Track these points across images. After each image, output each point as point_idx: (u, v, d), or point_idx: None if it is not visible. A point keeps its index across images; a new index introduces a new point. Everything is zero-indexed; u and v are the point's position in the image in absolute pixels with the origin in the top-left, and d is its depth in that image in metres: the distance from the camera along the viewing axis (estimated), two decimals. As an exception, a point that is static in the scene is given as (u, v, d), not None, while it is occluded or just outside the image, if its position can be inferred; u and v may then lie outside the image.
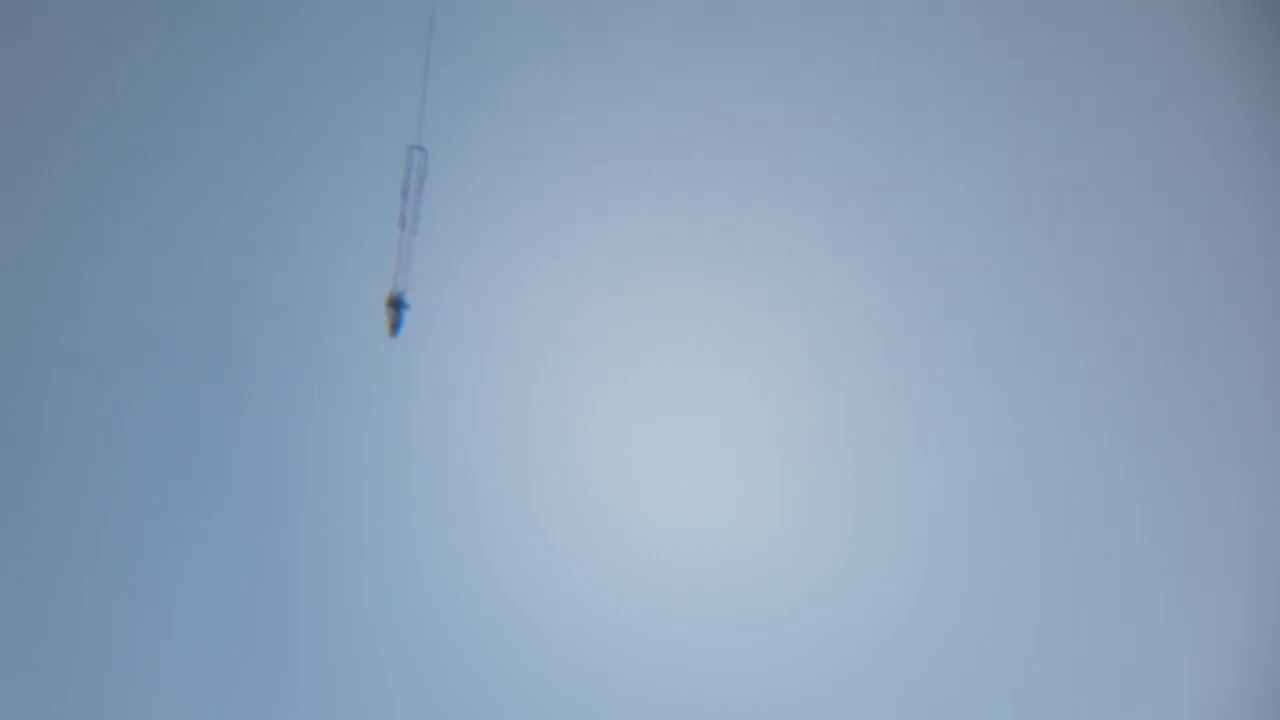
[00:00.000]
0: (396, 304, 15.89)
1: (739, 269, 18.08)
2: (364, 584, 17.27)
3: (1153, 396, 18.05)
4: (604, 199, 17.85)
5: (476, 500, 17.71)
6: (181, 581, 17.27)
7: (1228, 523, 17.71)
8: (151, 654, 17.25)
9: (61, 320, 17.10)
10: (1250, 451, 17.76)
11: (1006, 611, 17.85)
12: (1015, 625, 17.86)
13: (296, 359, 17.52)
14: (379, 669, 17.45)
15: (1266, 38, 17.39)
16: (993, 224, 18.38)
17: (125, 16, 17.21)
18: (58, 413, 17.11)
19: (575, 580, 17.79)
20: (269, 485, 17.44)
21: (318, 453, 17.58)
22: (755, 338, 18.09)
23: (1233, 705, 17.24)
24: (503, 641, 17.60)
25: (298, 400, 17.73)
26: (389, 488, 17.66)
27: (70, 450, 17.14)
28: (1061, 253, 18.25)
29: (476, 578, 17.63)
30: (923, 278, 18.37)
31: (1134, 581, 17.83)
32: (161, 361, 17.54)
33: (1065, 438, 18.14)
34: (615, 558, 17.70)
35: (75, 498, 17.25)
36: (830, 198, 18.20)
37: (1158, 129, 18.01)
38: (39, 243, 17.05)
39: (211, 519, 17.39)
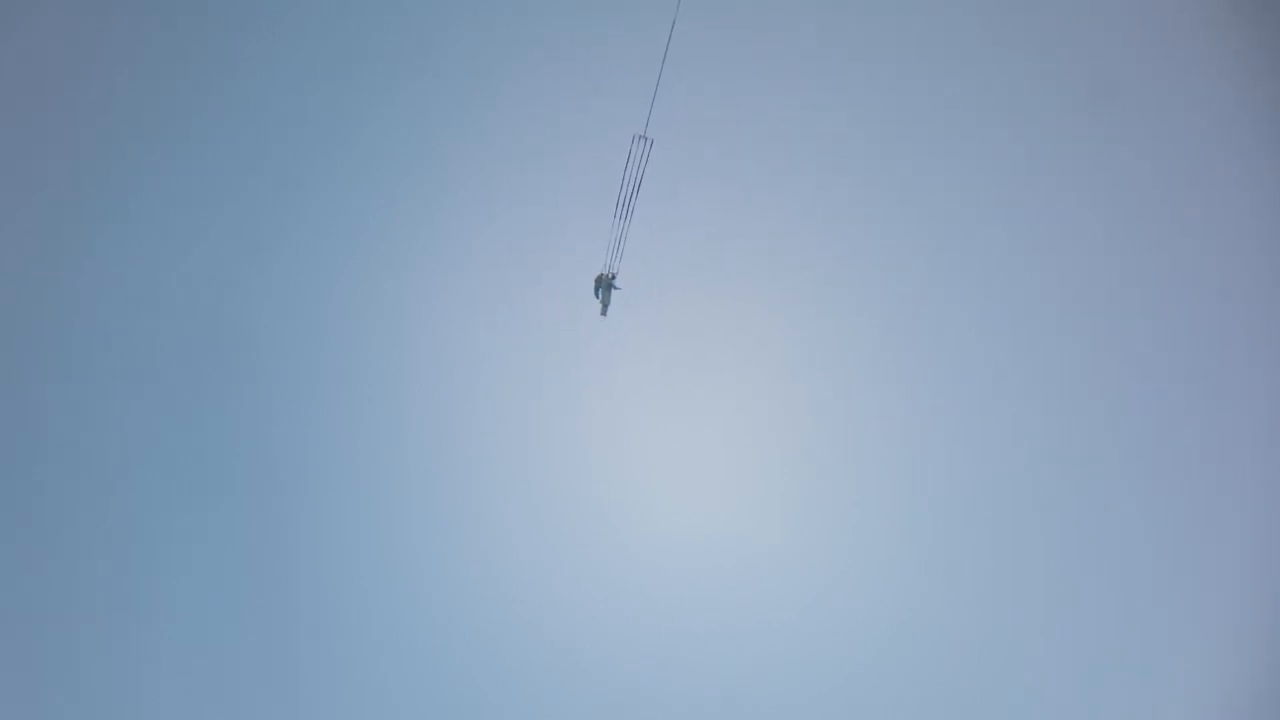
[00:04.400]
0: (607, 285, 16.52)
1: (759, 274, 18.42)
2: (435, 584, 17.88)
3: (1154, 397, 17.92)
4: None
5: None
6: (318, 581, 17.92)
7: (1228, 523, 17.48)
8: (161, 651, 17.46)
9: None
10: (1251, 451, 17.57)
11: (1009, 611, 17.88)
12: (1017, 625, 17.86)
13: (512, 333, 18.15)
14: (392, 667, 17.70)
15: (1270, 40, 16.96)
16: (995, 228, 18.33)
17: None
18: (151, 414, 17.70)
19: (610, 578, 17.97)
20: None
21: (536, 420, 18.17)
22: (761, 340, 18.12)
23: (1232, 705, 17.04)
24: (513, 640, 17.77)
25: (517, 376, 18.33)
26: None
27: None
28: (1063, 256, 18.20)
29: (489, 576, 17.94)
30: (926, 282, 18.41)
31: (1134, 580, 17.77)
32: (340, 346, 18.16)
33: (1067, 439, 18.12)
34: (655, 556, 17.96)
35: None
36: (835, 204, 18.13)
37: (1161, 132, 17.70)
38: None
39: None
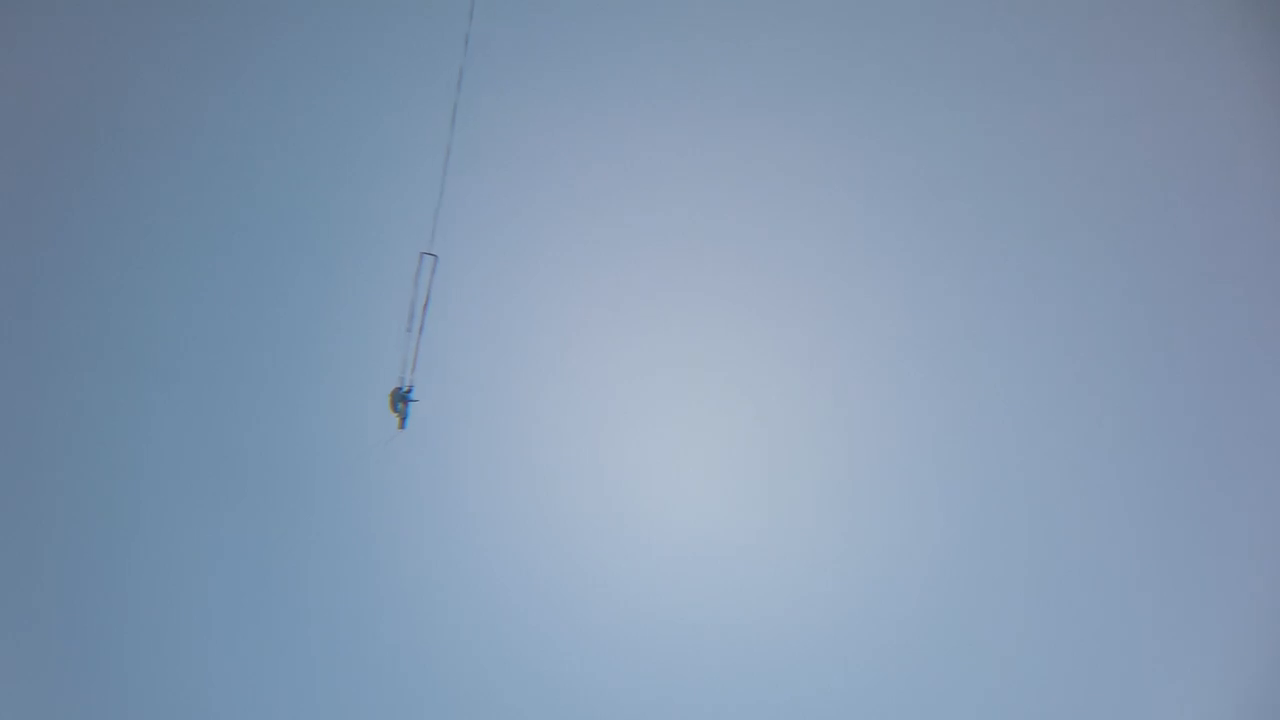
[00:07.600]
0: (404, 399, 16.72)
1: (747, 273, 18.35)
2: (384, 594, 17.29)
3: (1158, 400, 17.73)
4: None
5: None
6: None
7: (1236, 526, 17.35)
8: (164, 652, 16.89)
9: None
10: (1260, 456, 17.37)
11: (1008, 612, 17.67)
12: (1017, 626, 17.64)
13: (309, 455, 17.92)
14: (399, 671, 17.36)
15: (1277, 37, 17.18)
16: (995, 225, 18.26)
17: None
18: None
19: (599, 580, 17.78)
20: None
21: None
22: (762, 341, 18.32)
23: (1238, 709, 16.92)
24: (515, 638, 17.51)
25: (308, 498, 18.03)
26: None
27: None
28: (1064, 257, 18.09)
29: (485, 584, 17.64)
30: (925, 283, 18.33)
31: (1138, 582, 17.57)
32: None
33: (1068, 440, 17.90)
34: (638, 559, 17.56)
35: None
36: (837, 204, 18.43)
37: (1168, 132, 17.72)
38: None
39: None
